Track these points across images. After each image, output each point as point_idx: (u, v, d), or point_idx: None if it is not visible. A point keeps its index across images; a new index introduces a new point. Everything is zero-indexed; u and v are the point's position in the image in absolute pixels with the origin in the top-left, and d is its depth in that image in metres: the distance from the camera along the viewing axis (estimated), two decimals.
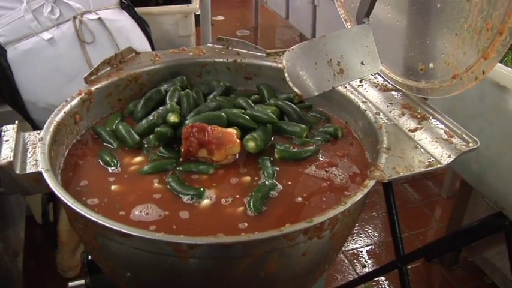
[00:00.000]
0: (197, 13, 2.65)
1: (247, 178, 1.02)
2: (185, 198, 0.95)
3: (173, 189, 0.97)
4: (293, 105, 1.21)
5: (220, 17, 5.65)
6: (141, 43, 1.90)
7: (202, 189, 0.97)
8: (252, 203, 0.93)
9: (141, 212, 0.92)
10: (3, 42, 1.67)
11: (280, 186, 0.99)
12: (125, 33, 1.85)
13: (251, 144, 1.06)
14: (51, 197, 1.78)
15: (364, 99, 1.17)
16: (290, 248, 0.82)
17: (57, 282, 2.13)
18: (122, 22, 1.86)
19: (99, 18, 1.79)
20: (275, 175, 1.02)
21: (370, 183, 0.90)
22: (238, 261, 0.82)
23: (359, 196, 0.86)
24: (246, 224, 0.89)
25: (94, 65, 1.61)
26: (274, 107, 1.21)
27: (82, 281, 1.25)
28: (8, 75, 1.67)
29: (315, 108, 1.27)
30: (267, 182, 0.99)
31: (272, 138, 1.13)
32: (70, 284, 1.27)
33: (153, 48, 1.96)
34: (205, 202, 0.94)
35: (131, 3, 1.97)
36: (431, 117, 1.13)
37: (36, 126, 1.73)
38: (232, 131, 1.07)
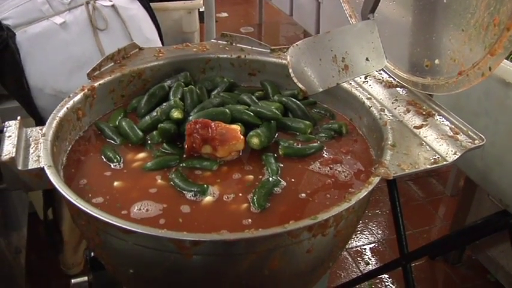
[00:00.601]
0: (201, 9, 2.64)
1: (251, 174, 1.01)
2: (188, 195, 0.95)
3: (176, 185, 0.97)
4: (297, 102, 1.20)
5: (224, 14, 5.64)
6: (152, 34, 1.88)
7: (205, 185, 0.96)
8: (255, 200, 0.92)
9: (143, 208, 0.91)
10: (12, 25, 1.63)
11: (284, 183, 0.98)
12: (137, 22, 1.82)
13: (255, 141, 1.06)
14: (51, 196, 1.78)
15: (369, 96, 1.16)
16: (294, 245, 0.82)
17: (61, 279, 2.13)
18: (135, 11, 1.83)
19: (113, 5, 1.76)
20: (279, 172, 1.01)
21: (375, 180, 0.89)
22: (241, 258, 0.82)
23: (364, 193, 0.85)
24: (250, 220, 0.89)
25: (106, 53, 1.62)
26: (278, 103, 1.20)
27: (85, 278, 1.25)
28: (15, 59, 1.63)
29: (319, 105, 1.26)
30: (270, 179, 0.98)
31: (276, 135, 1.13)
32: (73, 280, 1.27)
33: (162, 39, 1.94)
34: (209, 198, 0.94)
35: None
36: (436, 114, 1.12)
37: (38, 115, 1.69)
38: (236, 127, 1.06)
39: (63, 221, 2.01)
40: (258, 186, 0.96)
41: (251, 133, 1.07)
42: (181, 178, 0.98)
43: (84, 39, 1.70)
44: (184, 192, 0.95)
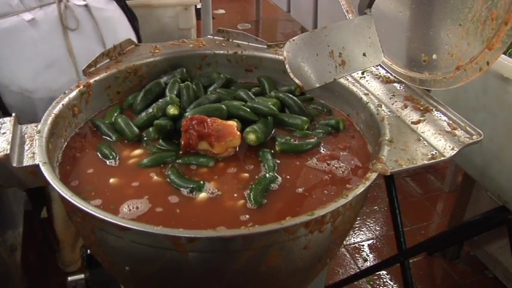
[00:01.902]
0: (198, 6, 2.63)
1: (248, 171, 1.01)
2: (185, 191, 0.94)
3: (173, 182, 0.96)
4: (294, 98, 1.19)
5: (221, 11, 5.63)
6: (127, 37, 1.76)
7: (202, 182, 0.95)
8: (252, 196, 0.91)
9: (138, 205, 0.90)
10: None
11: (280, 179, 0.98)
12: (112, 24, 1.76)
13: (251, 137, 1.05)
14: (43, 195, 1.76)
15: (366, 91, 1.16)
16: (291, 241, 0.81)
17: (58, 277, 2.13)
18: (110, 12, 1.76)
19: (86, 5, 1.70)
20: (276, 168, 1.01)
21: (372, 176, 0.88)
22: (238, 255, 0.81)
23: (361, 189, 0.85)
24: (247, 216, 0.88)
25: (75, 54, 1.60)
26: (275, 99, 1.19)
27: (81, 276, 1.25)
28: None
29: (316, 101, 1.26)
30: (267, 175, 0.97)
31: (273, 131, 1.12)
32: (69, 278, 1.27)
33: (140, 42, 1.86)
34: (205, 195, 0.93)
35: None
36: (434, 109, 1.11)
37: (7, 112, 1.62)
38: (233, 123, 1.06)
39: (57, 219, 1.99)
40: (255, 182, 0.95)
41: (248, 129, 1.06)
42: (177, 175, 0.97)
43: (53, 38, 1.64)
44: (180, 188, 0.95)
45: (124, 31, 1.80)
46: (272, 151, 1.05)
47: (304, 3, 3.78)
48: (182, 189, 0.95)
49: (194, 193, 0.94)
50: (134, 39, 1.77)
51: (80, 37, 1.67)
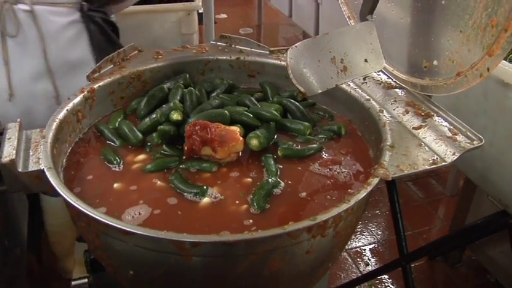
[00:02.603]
0: (200, 11, 2.65)
1: (250, 176, 1.01)
2: (188, 196, 0.95)
3: (176, 187, 0.97)
4: (296, 103, 1.20)
5: (223, 15, 5.64)
6: (79, 54, 1.59)
7: (205, 187, 0.96)
8: (255, 201, 0.92)
9: (142, 210, 0.91)
10: None
11: (283, 184, 0.98)
12: (61, 38, 1.53)
13: (254, 142, 1.06)
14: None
15: (367, 97, 1.17)
16: (293, 246, 0.82)
17: (62, 281, 2.13)
18: (63, 25, 1.53)
19: (32, 12, 1.47)
20: (278, 173, 1.01)
21: (374, 181, 0.89)
22: (241, 260, 0.82)
23: (363, 194, 0.85)
24: (250, 220, 0.89)
25: (10, 63, 1.48)
26: (277, 104, 1.20)
27: (85, 280, 1.25)
28: None
29: (319, 106, 1.27)
30: (270, 180, 0.98)
31: (275, 136, 1.13)
32: (73, 282, 1.27)
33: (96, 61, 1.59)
34: (208, 200, 0.94)
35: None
36: (435, 115, 1.12)
37: None
38: (235, 128, 1.06)
39: (50, 232, 1.97)
40: (258, 187, 0.96)
41: (250, 134, 1.07)
42: (180, 180, 0.98)
43: None
44: (184, 193, 0.96)
45: (76, 49, 1.58)
46: (274, 156, 1.06)
47: (306, 9, 3.79)
48: (186, 194, 0.95)
49: (198, 197, 0.94)
50: (89, 58, 1.60)
51: (18, 45, 1.50)
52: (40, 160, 0.95)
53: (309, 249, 0.85)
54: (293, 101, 1.21)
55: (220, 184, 0.99)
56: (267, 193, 0.95)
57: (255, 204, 0.92)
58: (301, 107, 1.20)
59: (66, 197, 0.83)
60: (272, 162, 1.04)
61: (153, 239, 0.77)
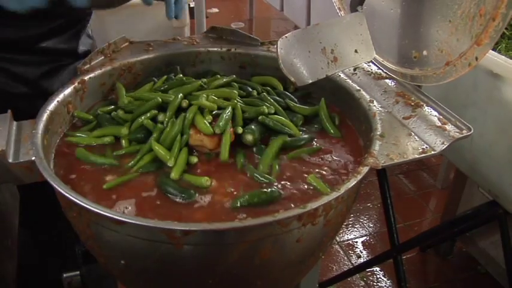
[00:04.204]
0: (191, 5, 2.65)
1: (242, 168, 1.01)
2: (179, 199, 0.93)
3: (166, 191, 0.94)
4: (286, 100, 1.20)
5: (215, 10, 5.64)
6: None
7: (192, 191, 0.94)
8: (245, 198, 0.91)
9: (132, 204, 0.91)
10: None
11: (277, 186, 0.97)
12: None
13: (249, 138, 1.05)
14: None
15: (358, 88, 1.17)
16: (284, 234, 0.83)
17: (54, 278, 2.12)
18: None
19: None
20: (275, 169, 1.00)
21: (364, 169, 0.90)
22: (232, 248, 0.82)
23: (353, 182, 0.86)
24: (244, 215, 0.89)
25: None
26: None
27: (77, 272, 1.25)
28: None
29: (312, 96, 1.27)
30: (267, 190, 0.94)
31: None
32: (65, 274, 1.27)
33: None
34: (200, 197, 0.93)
35: None
36: (425, 105, 1.13)
37: None
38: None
39: None
40: (251, 192, 0.93)
41: (246, 130, 1.06)
42: (171, 185, 0.95)
43: None
44: (176, 198, 0.93)
45: None
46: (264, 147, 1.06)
47: (297, 2, 3.79)
48: (177, 198, 0.93)
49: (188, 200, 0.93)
50: None
51: None
52: (31, 151, 0.95)
53: (299, 238, 0.85)
54: (283, 96, 1.20)
55: (213, 177, 0.98)
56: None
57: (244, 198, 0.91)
58: (291, 102, 1.19)
59: (57, 187, 0.83)
60: (264, 152, 1.03)
61: (144, 227, 0.77)
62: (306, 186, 0.95)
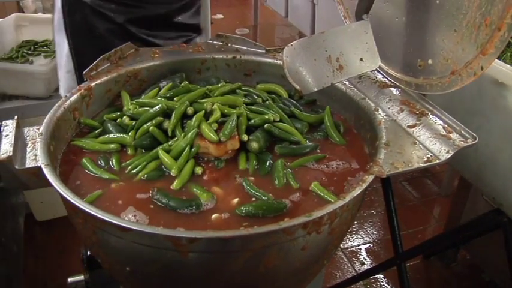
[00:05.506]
0: None
1: (247, 174, 1.02)
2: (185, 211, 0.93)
3: (167, 205, 0.93)
4: (291, 108, 1.20)
5: (220, 16, 5.65)
6: None
7: (199, 201, 0.93)
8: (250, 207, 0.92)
9: (137, 213, 0.91)
10: None
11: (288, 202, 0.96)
12: None
13: (254, 146, 1.06)
14: None
15: (363, 96, 1.18)
16: (289, 242, 0.83)
17: (58, 280, 2.13)
18: None
19: None
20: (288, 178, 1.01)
21: (369, 178, 0.90)
22: (237, 256, 0.82)
23: (358, 191, 0.86)
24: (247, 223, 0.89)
25: None
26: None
27: (81, 277, 1.26)
28: None
29: (317, 104, 1.27)
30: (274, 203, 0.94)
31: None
32: (69, 279, 1.28)
33: None
34: (206, 204, 0.94)
35: None
36: (429, 114, 1.13)
37: None
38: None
39: None
40: (259, 202, 0.94)
41: (251, 137, 1.06)
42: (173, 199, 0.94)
43: None
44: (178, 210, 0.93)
45: None
46: (271, 154, 1.06)
47: (302, 9, 3.80)
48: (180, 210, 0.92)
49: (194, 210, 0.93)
50: None
51: None
52: (37, 157, 0.95)
53: (304, 246, 0.85)
54: (288, 104, 1.21)
55: (218, 185, 0.98)
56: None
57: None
58: (296, 110, 1.19)
59: (63, 194, 0.83)
60: (269, 159, 1.04)
61: (150, 235, 0.77)
62: (310, 194, 0.95)
